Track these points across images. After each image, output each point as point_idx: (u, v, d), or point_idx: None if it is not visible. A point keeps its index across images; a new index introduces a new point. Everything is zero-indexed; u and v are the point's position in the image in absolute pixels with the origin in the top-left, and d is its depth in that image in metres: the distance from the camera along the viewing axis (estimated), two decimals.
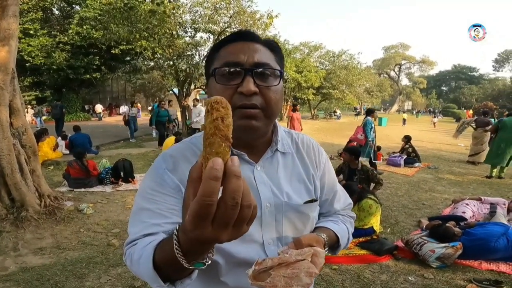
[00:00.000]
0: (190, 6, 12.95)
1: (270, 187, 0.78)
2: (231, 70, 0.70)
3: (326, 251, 0.82)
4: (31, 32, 18.79)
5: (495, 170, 7.19)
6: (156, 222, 0.69)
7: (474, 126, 9.15)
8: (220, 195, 0.39)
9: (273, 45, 0.78)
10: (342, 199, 0.97)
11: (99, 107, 22.83)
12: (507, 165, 7.10)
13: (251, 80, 0.69)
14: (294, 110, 9.41)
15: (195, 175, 0.42)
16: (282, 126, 0.89)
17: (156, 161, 0.80)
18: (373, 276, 2.91)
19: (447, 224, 3.42)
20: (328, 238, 0.83)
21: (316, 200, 0.85)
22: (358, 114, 33.10)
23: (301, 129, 9.34)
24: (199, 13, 13.02)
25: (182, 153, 0.78)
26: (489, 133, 8.73)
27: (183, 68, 13.09)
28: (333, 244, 0.88)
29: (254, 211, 0.42)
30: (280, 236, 0.79)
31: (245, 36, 0.75)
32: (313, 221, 0.86)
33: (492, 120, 10.51)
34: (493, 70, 64.50)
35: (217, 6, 12.51)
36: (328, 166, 0.93)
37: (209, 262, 0.52)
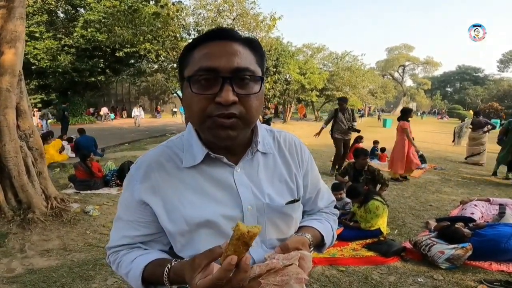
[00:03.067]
0: (194, 8, 13.02)
1: (251, 189, 0.76)
2: (208, 77, 0.65)
3: (311, 251, 0.81)
4: (37, 35, 18.97)
5: (500, 168, 7.19)
6: (127, 234, 0.78)
7: (471, 127, 9.17)
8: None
9: (253, 44, 0.71)
10: (326, 196, 0.96)
11: (104, 110, 23.12)
12: None
13: (229, 89, 0.63)
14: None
15: (216, 255, 0.57)
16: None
17: (131, 170, 0.80)
18: (381, 278, 2.87)
19: (456, 225, 3.38)
20: (313, 238, 0.81)
21: (298, 200, 0.82)
22: (362, 116, 32.79)
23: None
24: (202, 15, 13.09)
25: (156, 159, 0.77)
26: (487, 134, 8.74)
27: None
28: (318, 243, 0.86)
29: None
30: (264, 239, 0.77)
31: (222, 35, 0.68)
32: (296, 221, 0.83)
33: (498, 121, 10.53)
34: (498, 70, 64.06)
35: (220, 8, 12.57)
36: (311, 164, 0.90)
37: None
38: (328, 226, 0.90)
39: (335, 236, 0.93)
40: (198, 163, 0.74)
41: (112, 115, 24.83)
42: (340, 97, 8.12)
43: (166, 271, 0.65)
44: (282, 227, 0.78)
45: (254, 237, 0.55)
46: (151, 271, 0.71)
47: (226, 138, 0.67)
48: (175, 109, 27.64)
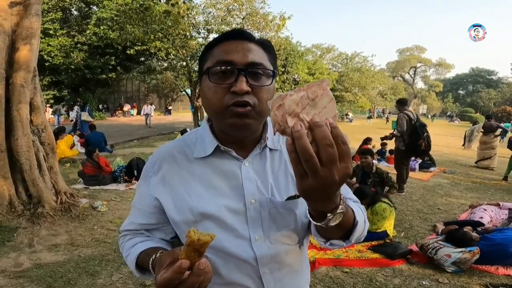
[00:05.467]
0: (204, 7, 13.07)
1: (255, 183, 0.78)
2: (224, 69, 0.71)
3: (341, 211, 0.59)
4: (51, 32, 19.27)
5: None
6: (136, 221, 0.86)
7: (482, 131, 9.03)
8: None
9: (266, 45, 0.78)
10: (342, 190, 0.81)
11: (127, 106, 23.92)
12: None
13: (244, 80, 0.70)
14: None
15: (176, 256, 0.59)
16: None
17: (148, 161, 0.86)
18: (386, 280, 2.86)
19: (464, 229, 3.34)
20: (344, 209, 0.60)
21: (299, 196, 0.78)
22: (370, 117, 32.51)
23: None
24: (212, 14, 13.13)
25: (169, 151, 0.83)
26: (498, 138, 8.62)
27: (196, 69, 13.21)
28: (348, 222, 0.66)
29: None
30: (267, 233, 0.78)
31: (239, 35, 0.75)
32: (299, 217, 0.80)
33: (509, 124, 10.41)
34: None
35: (230, 7, 12.59)
36: None
37: None
38: (359, 210, 0.76)
39: (368, 224, 0.80)
40: (208, 155, 0.79)
41: (132, 111, 26.48)
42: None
43: (151, 261, 0.71)
44: (284, 222, 0.79)
45: (205, 246, 0.57)
46: (142, 258, 0.77)
47: (242, 125, 0.71)
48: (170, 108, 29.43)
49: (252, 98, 0.70)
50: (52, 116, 17.04)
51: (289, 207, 0.79)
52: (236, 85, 0.69)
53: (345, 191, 0.89)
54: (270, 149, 0.83)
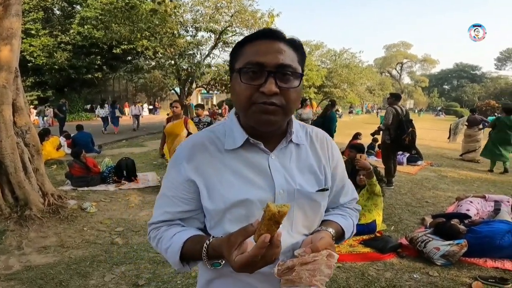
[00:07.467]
0: (191, 5, 12.95)
1: (283, 175, 0.82)
2: (255, 70, 0.74)
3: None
4: (33, 32, 18.84)
5: (497, 163, 7.49)
6: (169, 210, 0.84)
7: (467, 124, 9.25)
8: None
9: (296, 44, 0.81)
10: (350, 192, 1.01)
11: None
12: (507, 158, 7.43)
13: (273, 82, 0.73)
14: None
15: (249, 233, 0.63)
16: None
17: (177, 150, 0.87)
18: (378, 274, 2.90)
19: (451, 222, 3.40)
20: (335, 233, 0.87)
21: (327, 190, 0.89)
22: (351, 112, 34.03)
23: None
24: (200, 12, 13.03)
25: (200, 141, 0.85)
26: (482, 131, 8.87)
27: (184, 67, 13.11)
28: (338, 238, 0.92)
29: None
30: (291, 223, 0.82)
31: (270, 35, 0.77)
32: (323, 209, 0.89)
33: (492, 118, 10.73)
34: (495, 68, 64.27)
35: (218, 5, 12.51)
36: (340, 160, 0.96)
37: (224, 262, 0.73)
38: (350, 222, 0.96)
39: (354, 232, 0.99)
40: (238, 147, 0.82)
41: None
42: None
43: (205, 247, 0.72)
44: (309, 213, 0.85)
45: (284, 216, 0.59)
46: (189, 247, 0.77)
47: (267, 122, 0.76)
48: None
49: (280, 99, 0.74)
50: (37, 117, 16.67)
51: (315, 198, 0.85)
52: (265, 86, 0.73)
53: (351, 193, 1.01)
54: (295, 144, 0.87)
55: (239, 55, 0.79)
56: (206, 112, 9.34)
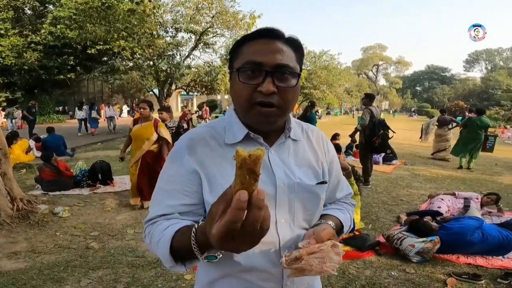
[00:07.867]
0: (172, 5, 12.75)
1: (283, 169, 0.84)
2: (253, 70, 0.75)
3: None
4: (2, 32, 18.03)
5: (463, 160, 7.96)
6: (170, 203, 0.79)
7: (437, 124, 9.66)
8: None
9: (295, 43, 0.81)
10: (345, 188, 1.04)
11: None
12: (473, 157, 7.88)
13: (270, 81, 0.74)
14: None
15: (229, 196, 0.50)
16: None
17: (176, 145, 0.86)
18: (358, 272, 2.95)
19: (424, 219, 3.51)
20: (335, 225, 0.89)
21: (326, 183, 0.91)
22: (328, 114, 35.51)
23: None
24: (180, 13, 12.86)
25: (202, 136, 0.84)
26: (451, 131, 9.30)
27: (163, 68, 12.87)
28: (337, 231, 0.94)
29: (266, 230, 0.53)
30: (293, 217, 0.83)
31: (269, 34, 0.78)
32: (322, 203, 0.90)
33: (460, 118, 11.21)
34: (464, 70, 67.46)
35: (199, 6, 12.38)
36: (335, 156, 1.00)
37: (221, 255, 0.64)
38: (348, 216, 0.98)
39: (352, 226, 1.01)
40: (238, 141, 0.83)
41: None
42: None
43: (193, 231, 0.63)
44: (310, 206, 0.86)
45: (259, 161, 0.48)
46: (180, 237, 0.68)
47: (265, 122, 0.79)
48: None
49: (276, 98, 0.75)
50: (5, 120, 15.88)
51: (315, 191, 0.86)
52: (263, 85, 0.74)
53: (346, 188, 1.04)
54: (293, 140, 0.89)
55: (238, 54, 0.80)
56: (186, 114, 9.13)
